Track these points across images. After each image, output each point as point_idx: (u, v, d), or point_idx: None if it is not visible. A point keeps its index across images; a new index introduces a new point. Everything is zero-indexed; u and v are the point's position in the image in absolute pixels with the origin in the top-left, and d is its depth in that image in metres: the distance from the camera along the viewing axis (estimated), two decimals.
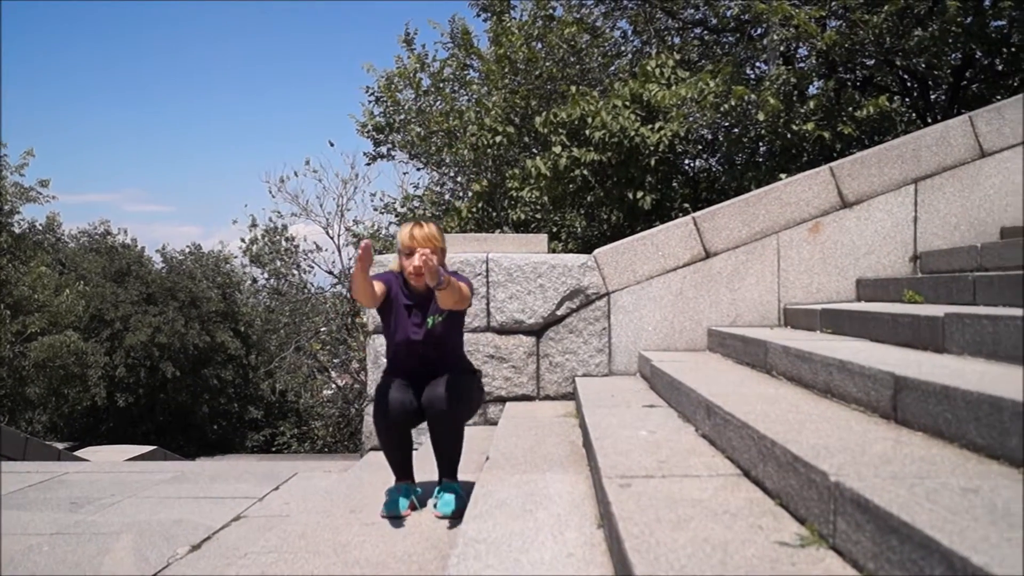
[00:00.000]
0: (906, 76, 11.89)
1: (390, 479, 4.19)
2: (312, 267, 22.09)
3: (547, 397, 5.75)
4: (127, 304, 22.31)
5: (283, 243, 22.04)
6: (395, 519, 3.62)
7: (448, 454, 3.86)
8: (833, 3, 9.94)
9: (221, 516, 4.43)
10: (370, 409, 5.82)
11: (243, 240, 21.98)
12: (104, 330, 22.15)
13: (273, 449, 22.78)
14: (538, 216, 11.62)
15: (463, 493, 3.70)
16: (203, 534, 4.09)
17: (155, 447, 12.50)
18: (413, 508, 3.76)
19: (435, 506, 3.76)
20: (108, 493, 5.07)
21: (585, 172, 9.85)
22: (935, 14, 10.04)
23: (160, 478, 5.56)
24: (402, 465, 3.88)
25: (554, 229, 11.68)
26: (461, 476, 3.98)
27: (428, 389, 3.72)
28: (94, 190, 70.12)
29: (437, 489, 3.85)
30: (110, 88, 67.06)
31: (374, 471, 4.80)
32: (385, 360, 4.22)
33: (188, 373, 23.34)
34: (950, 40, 9.91)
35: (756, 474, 2.65)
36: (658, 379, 4.84)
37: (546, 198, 10.48)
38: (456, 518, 3.52)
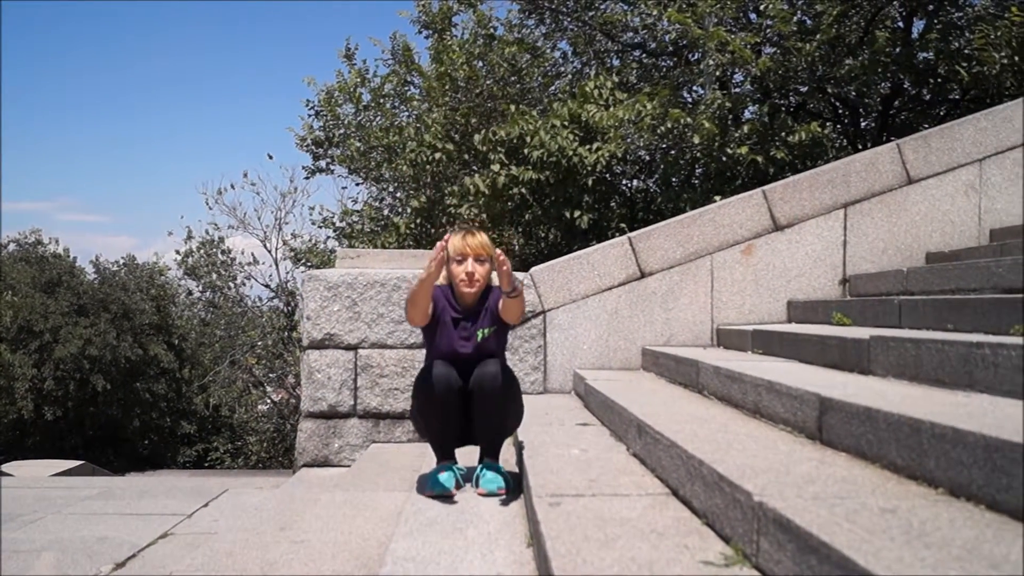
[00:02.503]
0: (837, 103, 12.17)
1: (322, 496, 4.16)
2: (248, 280, 21.84)
3: None
4: (57, 315, 21.75)
5: (219, 256, 21.75)
6: (443, 496, 3.50)
7: (493, 429, 3.75)
8: (768, 31, 10.15)
9: (147, 533, 4.35)
10: (304, 425, 5.79)
11: (178, 252, 21.68)
12: (33, 342, 21.56)
13: (206, 464, 22.37)
14: None
15: (506, 473, 3.65)
16: (128, 552, 4.01)
17: (83, 462, 12.21)
18: (457, 486, 3.63)
19: (476, 484, 3.63)
20: (31, 509, 4.94)
21: (523, 190, 9.90)
22: (865, 44, 10.31)
23: (86, 494, 5.44)
24: (445, 443, 3.78)
25: None
26: (393, 492, 3.96)
27: (478, 368, 3.62)
28: (26, 198, 68.51)
29: (479, 467, 3.71)
30: (44, 96, 65.71)
31: (306, 488, 4.76)
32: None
33: (119, 386, 22.79)
34: (879, 70, 10.18)
35: (684, 493, 2.68)
36: (592, 397, 4.87)
37: (484, 215, 10.50)
38: (499, 495, 3.49)
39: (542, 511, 2.57)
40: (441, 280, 3.84)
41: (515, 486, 3.59)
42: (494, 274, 3.74)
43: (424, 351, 3.95)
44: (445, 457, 3.79)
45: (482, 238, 3.75)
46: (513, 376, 3.81)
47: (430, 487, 3.57)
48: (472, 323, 3.76)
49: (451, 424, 3.76)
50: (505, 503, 3.40)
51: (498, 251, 3.53)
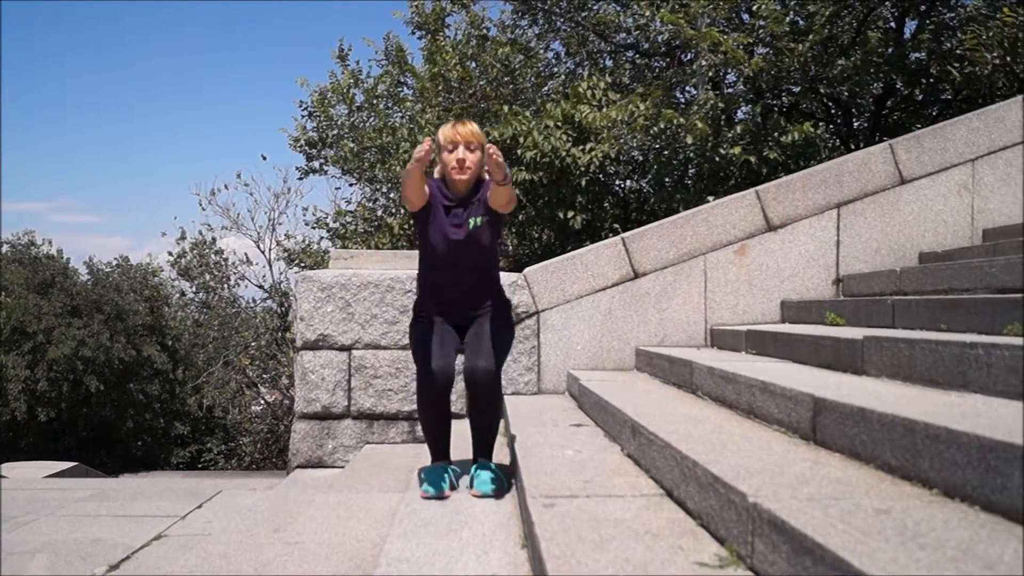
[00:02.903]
0: (830, 103, 12.20)
1: (316, 497, 4.15)
2: (242, 281, 21.83)
3: None
4: (51, 316, 21.65)
5: (212, 256, 21.74)
6: (438, 498, 3.48)
7: (486, 429, 3.74)
8: (760, 31, 10.16)
9: (141, 535, 4.34)
10: (298, 426, 5.78)
11: (171, 253, 21.67)
12: (26, 343, 21.46)
13: (199, 466, 22.32)
14: None
15: (500, 472, 3.65)
16: (122, 553, 4.00)
17: (76, 463, 12.18)
18: (452, 488, 3.60)
19: (471, 485, 3.60)
20: (24, 511, 4.92)
21: (516, 191, 9.90)
22: (857, 45, 10.34)
23: (80, 495, 5.43)
24: (441, 443, 3.78)
25: None
26: (387, 493, 3.95)
27: (470, 357, 3.61)
28: (21, 199, 68.23)
29: (473, 467, 3.70)
30: (39, 97, 65.51)
31: (300, 489, 4.76)
32: (418, 285, 4.02)
33: (113, 387, 22.71)
34: (872, 70, 10.22)
35: (679, 494, 2.68)
36: (586, 398, 4.87)
37: None
38: (494, 496, 3.48)
39: (536, 512, 2.57)
40: (435, 174, 3.94)
41: (508, 483, 3.60)
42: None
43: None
44: (439, 457, 3.78)
45: (472, 127, 3.78)
46: (504, 333, 3.80)
47: (424, 488, 3.56)
48: (464, 211, 3.78)
49: (446, 423, 3.77)
50: (499, 500, 3.41)
51: (489, 146, 3.53)
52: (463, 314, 3.79)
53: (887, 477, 2.28)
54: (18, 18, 53.99)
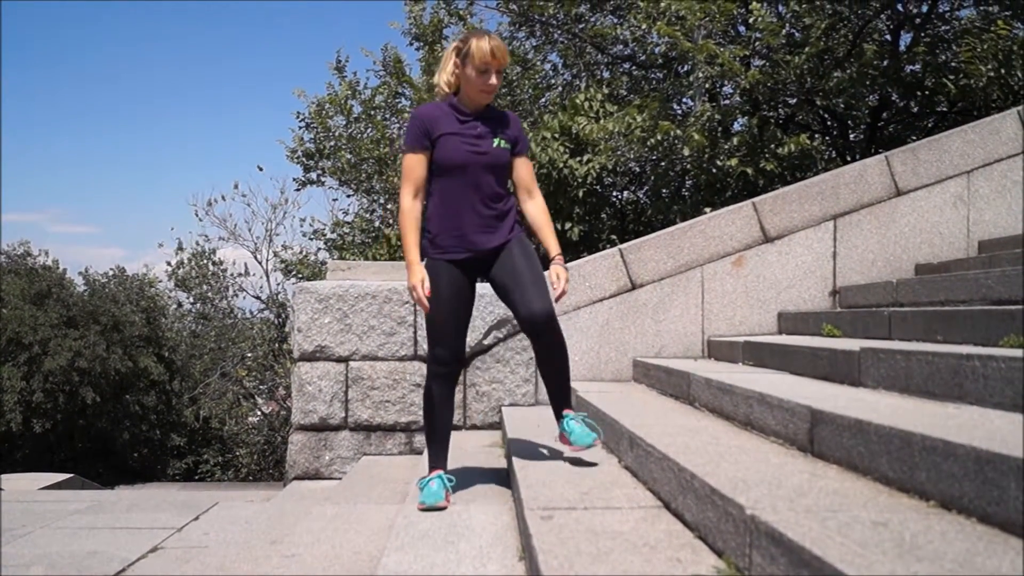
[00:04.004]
0: (826, 115, 12.23)
1: (313, 509, 4.15)
2: (240, 292, 21.78)
3: (473, 427, 5.74)
4: (47, 327, 21.63)
5: (210, 267, 21.71)
6: (436, 509, 3.44)
7: (559, 373, 3.66)
8: (756, 44, 10.19)
9: (138, 547, 4.33)
10: (295, 437, 5.77)
11: (169, 264, 21.63)
12: (22, 354, 21.45)
13: (196, 477, 22.26)
14: None
15: (591, 419, 3.64)
16: (118, 566, 3.99)
17: (72, 475, 12.15)
18: (448, 497, 3.55)
19: (569, 441, 3.54)
20: (20, 523, 4.91)
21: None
22: (853, 57, 10.38)
23: (76, 508, 5.42)
24: (442, 447, 3.71)
25: None
26: (384, 505, 3.95)
27: (521, 301, 3.51)
28: (15, 209, 68.24)
29: (562, 422, 3.62)
30: (37, 107, 65.56)
31: (297, 501, 4.75)
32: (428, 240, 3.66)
33: (109, 399, 22.70)
34: (867, 82, 10.25)
35: (676, 506, 2.68)
36: (583, 410, 4.85)
37: None
38: (597, 446, 3.51)
39: (534, 524, 2.56)
40: (445, 82, 3.69)
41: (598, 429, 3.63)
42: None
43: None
44: (436, 465, 3.74)
45: (503, 46, 3.56)
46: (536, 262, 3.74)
47: (421, 500, 3.54)
48: (482, 126, 3.62)
49: (450, 414, 3.72)
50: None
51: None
52: (482, 247, 3.64)
53: (884, 489, 2.29)
54: (13, 25, 54.14)
